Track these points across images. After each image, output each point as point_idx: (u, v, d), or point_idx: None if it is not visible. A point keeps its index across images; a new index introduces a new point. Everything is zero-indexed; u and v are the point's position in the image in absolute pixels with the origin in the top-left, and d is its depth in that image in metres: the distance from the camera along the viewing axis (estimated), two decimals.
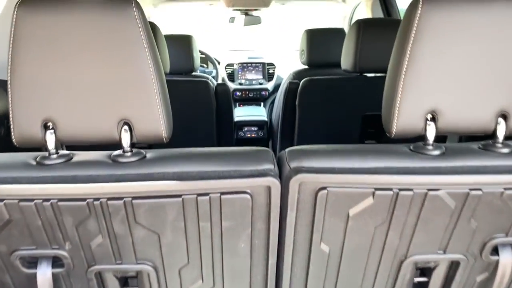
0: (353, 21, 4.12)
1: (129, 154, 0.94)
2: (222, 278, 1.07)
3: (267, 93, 4.42)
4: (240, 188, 0.93)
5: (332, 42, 2.99)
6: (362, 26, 1.94)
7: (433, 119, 0.95)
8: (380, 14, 3.26)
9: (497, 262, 1.05)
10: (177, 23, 5.82)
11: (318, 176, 0.93)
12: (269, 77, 4.50)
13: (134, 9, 0.88)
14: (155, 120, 0.92)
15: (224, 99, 2.22)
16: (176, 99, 2.11)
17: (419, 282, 1.15)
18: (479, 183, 0.93)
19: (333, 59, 2.98)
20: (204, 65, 4.62)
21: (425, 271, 1.14)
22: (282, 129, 2.27)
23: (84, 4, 0.88)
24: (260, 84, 4.50)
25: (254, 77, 4.55)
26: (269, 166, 0.95)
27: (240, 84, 4.51)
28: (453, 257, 1.06)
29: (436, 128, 0.96)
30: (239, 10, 4.15)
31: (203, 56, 4.54)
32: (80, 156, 0.97)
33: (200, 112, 2.13)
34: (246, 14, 4.27)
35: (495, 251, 1.05)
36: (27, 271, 1.02)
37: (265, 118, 3.82)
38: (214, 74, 4.46)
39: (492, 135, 0.97)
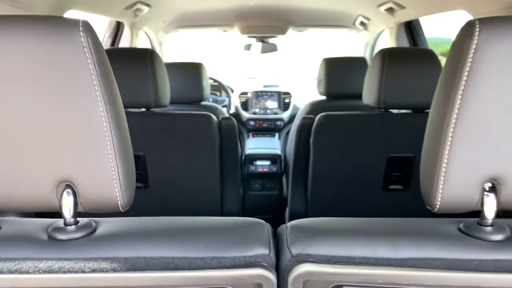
0: (375, 49, 3.89)
1: (72, 227, 0.70)
2: None
3: (282, 124, 4.20)
4: (218, 284, 0.67)
5: (353, 72, 2.76)
6: (388, 56, 1.69)
7: (494, 189, 0.69)
8: (405, 43, 3.02)
9: None
10: (190, 50, 5.70)
11: (332, 269, 0.66)
12: (285, 106, 4.28)
13: (82, 34, 0.65)
14: (108, 181, 0.68)
15: (229, 135, 1.98)
16: (173, 135, 1.89)
17: None
18: None
19: (353, 90, 2.74)
20: (217, 93, 4.44)
21: None
22: (294, 170, 2.01)
23: (10, 26, 0.65)
24: (275, 113, 4.27)
25: (269, 107, 4.33)
26: (263, 251, 0.69)
27: (254, 113, 4.29)
28: None
29: (498, 202, 0.69)
30: (254, 37, 3.98)
31: (216, 83, 4.36)
32: (9, 226, 0.73)
33: (201, 150, 1.89)
34: (262, 41, 4.09)
35: None
36: None
37: (278, 151, 3.57)
38: (226, 102, 4.26)
39: None
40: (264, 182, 3.47)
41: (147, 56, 1.82)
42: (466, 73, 0.65)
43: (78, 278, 0.64)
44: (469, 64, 0.65)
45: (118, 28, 3.13)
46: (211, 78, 4.21)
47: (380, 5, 2.72)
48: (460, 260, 0.66)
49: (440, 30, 3.24)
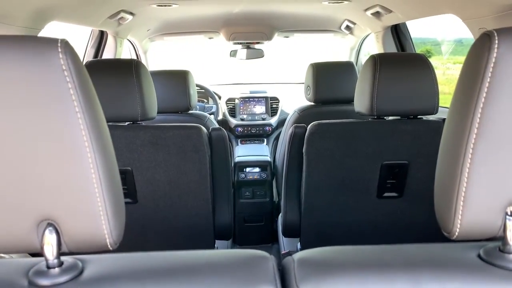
0: (360, 53, 3.88)
1: (56, 270, 0.64)
2: None
3: (270, 129, 4.17)
4: None
5: (341, 77, 2.74)
6: (379, 62, 1.66)
7: None
8: (392, 46, 3.01)
9: None
10: (175, 57, 5.64)
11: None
12: (273, 112, 4.26)
13: (61, 55, 0.59)
14: (94, 217, 0.62)
15: (220, 146, 1.93)
16: (161, 148, 1.84)
17: None
18: None
19: (341, 95, 2.72)
20: (204, 100, 4.39)
21: None
22: (286, 180, 1.97)
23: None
24: (263, 119, 4.24)
25: (256, 112, 4.29)
26: None
27: (242, 119, 4.25)
28: None
29: None
30: (240, 43, 3.94)
31: (202, 90, 4.30)
32: None
33: (192, 162, 1.84)
34: (248, 47, 4.06)
35: None
36: None
37: (268, 158, 3.53)
38: (214, 109, 4.21)
39: None
40: (254, 189, 3.43)
41: (132, 67, 1.76)
42: (485, 89, 0.61)
43: None
44: (488, 79, 0.61)
45: (101, 37, 3.07)
46: (197, 85, 4.15)
47: (366, 10, 2.70)
48: None
49: (416, 30, 3.22)
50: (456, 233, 0.66)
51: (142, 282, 0.62)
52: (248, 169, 3.44)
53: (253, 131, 4.20)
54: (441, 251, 0.69)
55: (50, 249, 0.62)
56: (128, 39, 3.47)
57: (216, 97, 4.33)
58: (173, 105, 2.64)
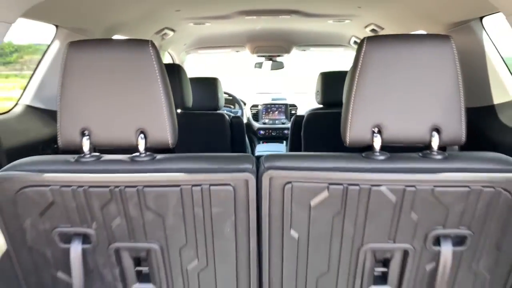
0: None
1: (143, 155, 1.24)
2: (213, 259, 1.32)
3: (289, 132, 4.74)
4: (225, 181, 1.20)
5: (344, 83, 3.29)
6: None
7: (379, 132, 1.21)
8: None
9: (439, 252, 1.25)
10: (210, 69, 6.31)
11: (284, 173, 1.19)
12: (291, 117, 4.82)
13: (150, 49, 1.21)
14: (163, 130, 1.22)
15: (238, 129, 2.53)
16: (196, 129, 2.43)
17: (382, 272, 1.36)
18: (412, 181, 1.16)
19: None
20: (231, 106, 5.01)
21: (384, 262, 1.35)
22: None
23: (114, 44, 1.22)
24: (283, 123, 4.83)
25: (277, 117, 4.89)
26: (248, 166, 1.22)
27: (264, 123, 4.85)
28: (402, 247, 1.26)
29: (382, 139, 1.21)
30: (263, 56, 4.56)
31: (230, 98, 4.93)
32: (107, 157, 1.27)
33: (216, 140, 2.43)
34: (271, 59, 4.67)
35: (438, 242, 1.25)
36: (63, 246, 1.30)
37: (284, 152, 4.11)
38: (239, 114, 4.82)
39: (429, 146, 1.21)
40: None
41: (175, 70, 2.40)
42: (359, 68, 1.18)
43: (148, 176, 1.18)
44: (360, 63, 1.18)
45: None
46: (226, 93, 4.79)
47: (366, 27, 3.26)
48: (357, 167, 1.18)
49: None
50: (348, 142, 1.21)
51: (185, 161, 1.22)
52: None
53: (274, 134, 4.80)
54: (344, 154, 1.24)
55: (141, 145, 1.22)
56: (168, 52, 4.14)
57: (242, 103, 4.96)
58: (204, 105, 3.26)
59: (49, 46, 2.23)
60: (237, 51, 4.63)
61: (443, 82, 1.18)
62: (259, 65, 4.83)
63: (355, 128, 1.21)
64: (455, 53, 1.18)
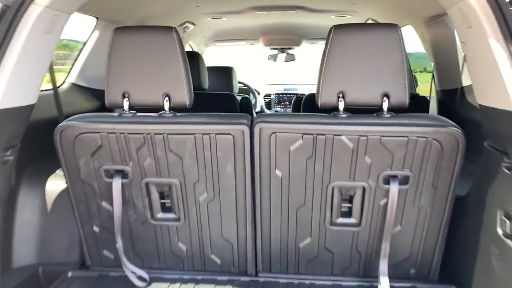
0: None
1: (168, 113, 1.67)
2: (218, 192, 1.73)
3: None
4: (227, 131, 1.62)
5: None
6: None
7: (343, 97, 1.60)
8: None
9: (389, 190, 1.64)
10: (228, 61, 6.74)
11: (270, 125, 1.60)
12: None
13: (174, 34, 1.63)
14: (183, 94, 1.64)
15: (246, 108, 2.95)
16: (209, 107, 2.85)
17: (348, 208, 1.76)
18: (365, 131, 1.55)
19: None
20: (246, 95, 5.44)
21: (349, 199, 1.74)
22: None
23: (147, 30, 1.65)
24: None
25: (288, 106, 5.29)
26: (244, 121, 1.63)
27: (276, 111, 5.27)
28: (360, 185, 1.66)
29: (344, 103, 1.61)
30: (275, 48, 4.98)
31: (245, 87, 5.36)
32: (141, 113, 1.71)
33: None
34: (283, 51, 5.08)
35: (387, 182, 1.64)
36: (107, 180, 1.74)
37: None
38: (254, 102, 5.24)
39: (381, 108, 1.60)
40: None
41: (193, 56, 2.85)
42: (328, 48, 1.58)
43: (171, 127, 1.61)
44: (329, 45, 1.59)
45: None
46: (241, 83, 5.22)
47: (366, 21, 3.64)
48: (323, 122, 1.57)
49: None
50: (319, 105, 1.61)
51: (195, 117, 1.65)
52: None
53: None
54: (318, 114, 1.64)
55: (166, 106, 1.64)
56: (189, 44, 4.59)
57: (256, 92, 5.38)
58: (220, 90, 3.69)
59: (90, 34, 2.69)
60: (251, 44, 5.05)
61: (391, 60, 1.57)
62: (274, 57, 5.25)
63: (324, 94, 1.61)
64: (400, 38, 1.57)
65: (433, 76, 2.81)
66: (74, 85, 2.61)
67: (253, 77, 6.18)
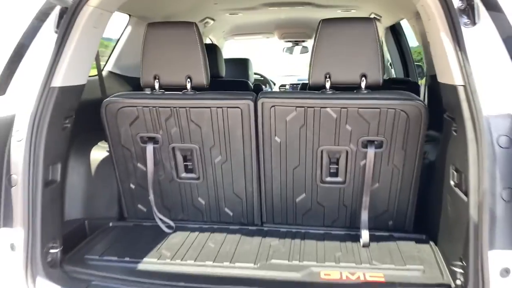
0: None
1: (189, 91, 2.09)
2: (230, 155, 2.13)
3: None
4: (236, 105, 2.02)
5: None
6: None
7: (329, 77, 1.99)
8: (391, 41, 4.26)
9: (367, 153, 2.02)
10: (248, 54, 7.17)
11: (270, 100, 1.99)
12: None
13: (194, 28, 2.04)
14: (201, 77, 2.05)
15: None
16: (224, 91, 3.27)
17: (335, 169, 2.14)
18: (345, 104, 1.93)
19: None
20: (262, 86, 5.86)
21: (336, 162, 2.13)
22: None
23: (174, 24, 2.07)
24: None
25: None
26: (250, 97, 2.03)
27: None
28: (344, 148, 2.03)
29: (330, 82, 1.99)
30: (290, 41, 5.37)
31: (262, 78, 5.77)
32: (168, 92, 2.13)
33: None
34: (297, 44, 5.47)
35: (366, 146, 2.02)
36: (142, 145, 2.17)
37: None
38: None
39: (359, 86, 1.98)
40: None
41: (212, 47, 3.28)
42: (317, 38, 1.97)
43: (192, 101, 2.03)
44: (318, 35, 1.98)
45: None
46: (258, 74, 5.64)
47: (370, 15, 3.99)
48: (312, 97, 1.98)
49: None
50: (310, 84, 2.01)
51: (211, 94, 2.07)
52: None
53: None
54: (310, 91, 2.03)
55: (188, 86, 2.05)
56: (209, 38, 5.02)
57: (272, 83, 5.79)
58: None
59: (124, 29, 3.14)
60: (267, 37, 5.45)
61: (368, 47, 1.95)
62: (290, 50, 5.66)
63: (314, 76, 2.00)
64: (375, 30, 1.94)
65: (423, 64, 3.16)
66: (110, 73, 3.07)
67: (270, 69, 6.59)
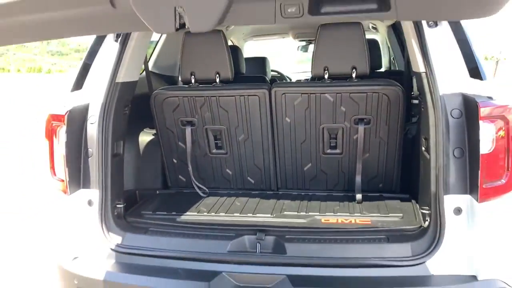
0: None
1: (218, 84, 2.65)
2: (251, 134, 2.69)
3: None
4: (254, 93, 2.58)
5: None
6: None
7: (327, 70, 2.54)
8: (394, 39, 4.76)
9: (358, 128, 2.56)
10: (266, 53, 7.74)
11: (282, 89, 2.55)
12: None
13: (221, 34, 2.61)
14: (227, 72, 2.61)
15: None
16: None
17: (335, 142, 2.68)
18: (340, 89, 2.47)
19: None
20: (274, 78, 6.42)
21: (335, 137, 2.67)
22: None
23: (206, 33, 2.66)
24: None
25: None
26: (265, 86, 2.59)
27: None
28: (340, 125, 2.57)
29: (328, 74, 2.54)
30: (303, 40, 5.92)
31: (279, 75, 6.33)
32: (202, 85, 2.72)
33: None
34: (310, 43, 6.01)
35: (357, 123, 2.56)
36: (182, 127, 2.76)
37: None
38: None
39: (351, 76, 2.52)
40: None
41: (234, 49, 3.87)
42: (317, 39, 2.52)
43: (220, 92, 2.62)
44: (317, 36, 2.53)
45: None
46: (275, 71, 6.20)
47: None
48: (315, 84, 2.53)
49: None
50: (312, 75, 2.57)
51: (235, 85, 2.65)
52: None
53: None
54: (312, 81, 2.58)
55: (218, 79, 2.65)
56: (230, 40, 5.61)
57: (288, 79, 6.33)
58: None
59: (160, 36, 3.75)
60: (283, 38, 6.01)
61: (356, 45, 2.49)
62: (305, 48, 6.23)
63: (315, 69, 2.55)
64: (362, 29, 2.49)
65: None
66: (151, 73, 3.68)
67: (287, 67, 7.15)
